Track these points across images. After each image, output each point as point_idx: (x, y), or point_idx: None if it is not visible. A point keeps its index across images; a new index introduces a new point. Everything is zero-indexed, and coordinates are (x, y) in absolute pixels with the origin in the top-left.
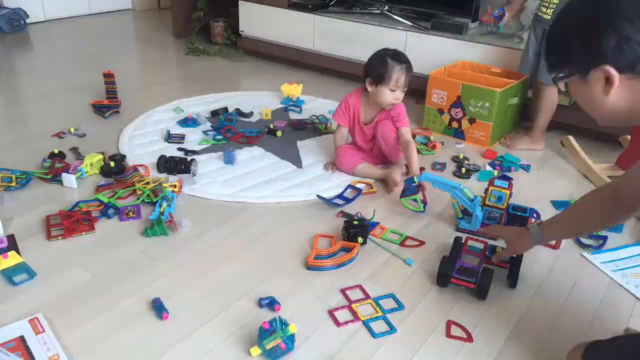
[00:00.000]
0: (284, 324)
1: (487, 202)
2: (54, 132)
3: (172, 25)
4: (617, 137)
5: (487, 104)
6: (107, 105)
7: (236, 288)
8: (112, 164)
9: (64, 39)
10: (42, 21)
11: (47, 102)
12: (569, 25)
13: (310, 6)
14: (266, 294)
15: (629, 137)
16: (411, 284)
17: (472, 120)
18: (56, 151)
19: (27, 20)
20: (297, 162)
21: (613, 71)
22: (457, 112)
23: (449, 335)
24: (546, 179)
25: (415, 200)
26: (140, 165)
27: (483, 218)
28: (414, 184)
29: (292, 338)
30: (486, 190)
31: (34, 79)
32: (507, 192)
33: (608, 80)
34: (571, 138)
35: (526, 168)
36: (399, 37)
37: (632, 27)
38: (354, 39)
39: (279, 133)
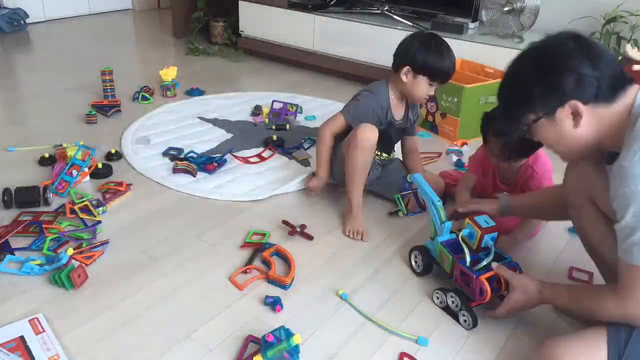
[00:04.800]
0: (289, 334)
1: (461, 236)
2: (53, 131)
3: (172, 25)
4: None
5: (455, 99)
6: (108, 105)
7: (236, 288)
8: (99, 165)
9: (64, 39)
10: (42, 21)
11: (47, 102)
12: (525, 77)
13: (310, 6)
14: (264, 294)
15: None
16: (413, 282)
17: (443, 115)
18: (46, 155)
19: (27, 20)
20: (305, 162)
21: (580, 105)
22: (432, 106)
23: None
24: None
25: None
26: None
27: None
28: (407, 183)
29: (296, 349)
30: (470, 233)
31: (34, 79)
32: (479, 232)
33: (575, 115)
34: None
35: None
36: (399, 37)
37: (584, 66)
38: (354, 39)
39: (288, 127)
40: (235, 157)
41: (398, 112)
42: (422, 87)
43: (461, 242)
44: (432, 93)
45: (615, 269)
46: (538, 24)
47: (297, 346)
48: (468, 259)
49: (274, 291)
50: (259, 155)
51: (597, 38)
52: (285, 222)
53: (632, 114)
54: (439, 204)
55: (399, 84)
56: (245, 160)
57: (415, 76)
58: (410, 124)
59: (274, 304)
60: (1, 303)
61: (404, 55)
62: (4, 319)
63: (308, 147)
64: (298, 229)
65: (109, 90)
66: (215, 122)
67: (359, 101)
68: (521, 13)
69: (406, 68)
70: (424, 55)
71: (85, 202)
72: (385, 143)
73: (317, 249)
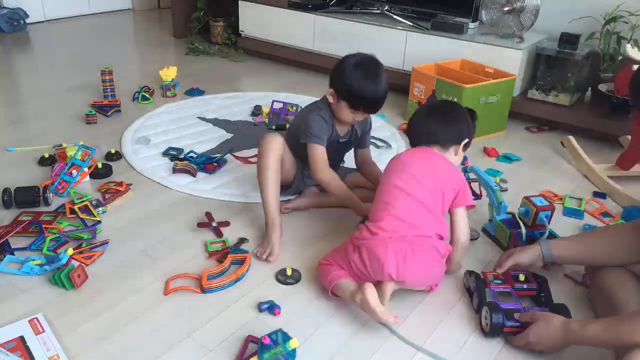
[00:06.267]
0: (286, 338)
1: (518, 213)
2: (53, 131)
3: (172, 25)
4: (617, 137)
5: (455, 99)
6: (108, 105)
7: (236, 288)
8: (99, 165)
9: (64, 39)
10: (42, 21)
11: (47, 102)
12: None
13: (310, 6)
14: (265, 295)
15: (629, 137)
16: None
17: None
18: (46, 155)
19: (27, 20)
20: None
21: None
22: None
23: None
24: (546, 178)
25: None
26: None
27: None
28: (465, 172)
29: (293, 353)
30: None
31: (34, 79)
32: (534, 209)
33: None
34: (571, 138)
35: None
36: (399, 37)
37: None
38: (354, 39)
39: (288, 127)
40: (236, 157)
41: (342, 127)
42: (345, 113)
43: (517, 219)
44: (359, 119)
45: None
46: (538, 24)
47: (293, 350)
48: (524, 232)
49: (267, 292)
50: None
51: (597, 38)
52: (207, 214)
53: None
54: (496, 187)
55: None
56: (246, 160)
57: (338, 100)
58: (357, 137)
59: (270, 308)
60: (1, 303)
61: (333, 76)
62: (4, 319)
63: None
64: (215, 224)
65: (109, 90)
66: (215, 122)
67: (311, 120)
68: (521, 13)
69: (331, 90)
70: (348, 82)
71: (85, 202)
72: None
73: (315, 251)
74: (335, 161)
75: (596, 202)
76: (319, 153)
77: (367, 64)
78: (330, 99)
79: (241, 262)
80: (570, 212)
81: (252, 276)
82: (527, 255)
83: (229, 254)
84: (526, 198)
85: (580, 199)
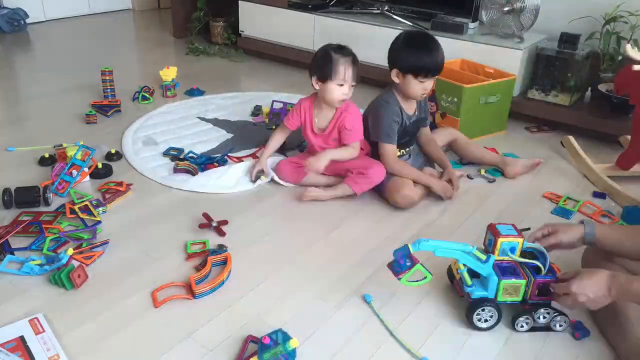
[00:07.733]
0: (286, 338)
1: (497, 257)
2: (54, 131)
3: (172, 25)
4: (617, 137)
5: (455, 99)
6: (108, 105)
7: (236, 288)
8: (99, 165)
9: (64, 39)
10: (42, 21)
11: (47, 102)
12: None
13: (310, 6)
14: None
15: (629, 137)
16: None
17: (443, 115)
18: (46, 155)
19: (27, 20)
20: None
21: None
22: (432, 106)
23: None
24: (546, 178)
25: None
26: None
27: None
28: (406, 255)
29: (293, 353)
30: (489, 240)
31: (34, 79)
32: (520, 240)
33: None
34: (571, 138)
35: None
36: None
37: None
38: (354, 39)
39: None
40: (230, 157)
41: (409, 109)
42: (413, 85)
43: (520, 259)
44: (428, 87)
45: None
46: (538, 24)
47: (293, 350)
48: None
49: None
50: (253, 155)
51: (597, 38)
52: (205, 215)
53: None
54: (473, 247)
55: (397, 84)
56: (240, 160)
57: (404, 76)
58: (425, 112)
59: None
60: (1, 303)
61: (390, 58)
62: (4, 319)
63: None
64: (215, 224)
65: (109, 90)
66: (215, 122)
67: (380, 118)
68: (521, 13)
69: (394, 70)
70: (406, 55)
71: (85, 202)
72: (405, 141)
73: (315, 251)
74: (410, 140)
75: (593, 205)
76: (389, 150)
77: (419, 36)
78: (397, 79)
79: (223, 263)
80: (558, 211)
81: (251, 276)
82: (569, 235)
83: (209, 257)
84: (492, 230)
85: (578, 201)
